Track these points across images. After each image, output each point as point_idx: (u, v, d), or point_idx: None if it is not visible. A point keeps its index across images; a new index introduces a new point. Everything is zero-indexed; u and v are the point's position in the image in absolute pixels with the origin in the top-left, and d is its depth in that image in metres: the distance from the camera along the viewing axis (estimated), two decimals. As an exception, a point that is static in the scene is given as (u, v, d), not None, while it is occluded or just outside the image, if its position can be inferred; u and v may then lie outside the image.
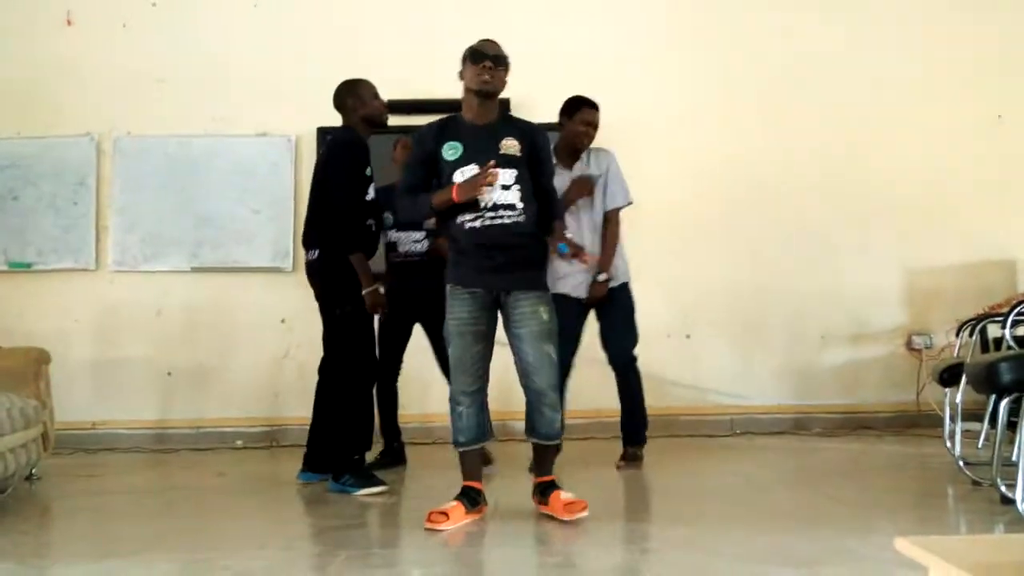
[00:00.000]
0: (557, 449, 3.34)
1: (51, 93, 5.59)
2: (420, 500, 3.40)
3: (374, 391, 4.23)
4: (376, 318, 3.91)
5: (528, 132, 3.23)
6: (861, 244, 5.63)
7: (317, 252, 3.84)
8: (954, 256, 5.63)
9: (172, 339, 5.51)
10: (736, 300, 5.53)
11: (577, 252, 3.30)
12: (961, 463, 3.78)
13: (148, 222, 5.58)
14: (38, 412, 3.92)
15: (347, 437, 3.76)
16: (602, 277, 4.14)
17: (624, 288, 4.25)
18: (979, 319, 4.24)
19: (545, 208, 3.25)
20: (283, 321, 5.45)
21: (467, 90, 3.18)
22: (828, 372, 5.60)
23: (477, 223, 3.11)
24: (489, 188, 3.06)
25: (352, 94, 3.85)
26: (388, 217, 4.36)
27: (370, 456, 4.08)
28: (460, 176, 3.13)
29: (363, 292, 3.73)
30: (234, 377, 5.49)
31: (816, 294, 5.59)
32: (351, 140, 3.85)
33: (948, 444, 3.96)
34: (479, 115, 3.18)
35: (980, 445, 4.06)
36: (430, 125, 3.25)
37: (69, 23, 5.65)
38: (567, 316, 4.10)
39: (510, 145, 3.16)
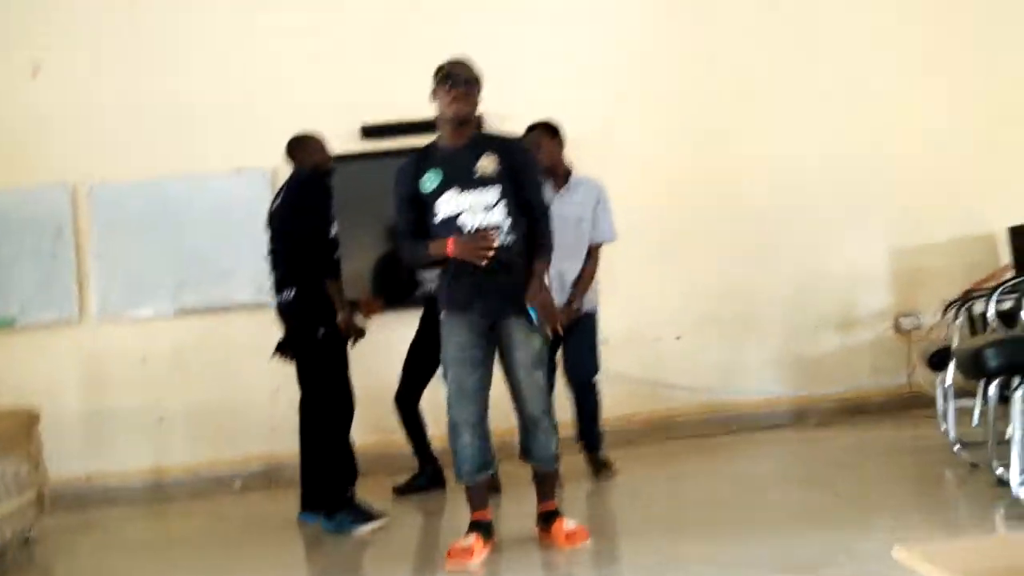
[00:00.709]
0: (556, 475, 3.31)
1: (21, 143, 5.52)
2: (413, 533, 3.37)
3: (397, 417, 4.31)
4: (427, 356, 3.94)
5: (505, 147, 3.18)
6: (843, 228, 5.62)
7: (294, 290, 3.84)
8: (937, 233, 5.63)
9: (161, 384, 5.44)
10: (722, 297, 5.51)
11: (549, 317, 3.14)
12: (957, 447, 3.78)
13: (128, 268, 5.52)
14: (31, 475, 3.89)
15: (331, 473, 3.73)
16: (574, 307, 4.14)
17: (591, 317, 4.26)
18: (963, 298, 4.24)
19: (532, 223, 3.17)
20: (271, 356, 5.41)
21: (440, 116, 3.16)
22: (819, 360, 5.59)
23: None
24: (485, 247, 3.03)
25: (300, 148, 3.99)
26: None
27: (399, 479, 4.10)
28: (445, 205, 3.09)
29: (337, 319, 3.72)
30: (227, 417, 5.43)
31: (801, 284, 5.57)
32: (310, 177, 3.90)
33: (943, 427, 3.97)
34: (454, 138, 3.16)
35: (975, 422, 4.06)
36: (405, 163, 3.23)
37: (35, 74, 5.60)
38: None
39: (486, 165, 3.12)
